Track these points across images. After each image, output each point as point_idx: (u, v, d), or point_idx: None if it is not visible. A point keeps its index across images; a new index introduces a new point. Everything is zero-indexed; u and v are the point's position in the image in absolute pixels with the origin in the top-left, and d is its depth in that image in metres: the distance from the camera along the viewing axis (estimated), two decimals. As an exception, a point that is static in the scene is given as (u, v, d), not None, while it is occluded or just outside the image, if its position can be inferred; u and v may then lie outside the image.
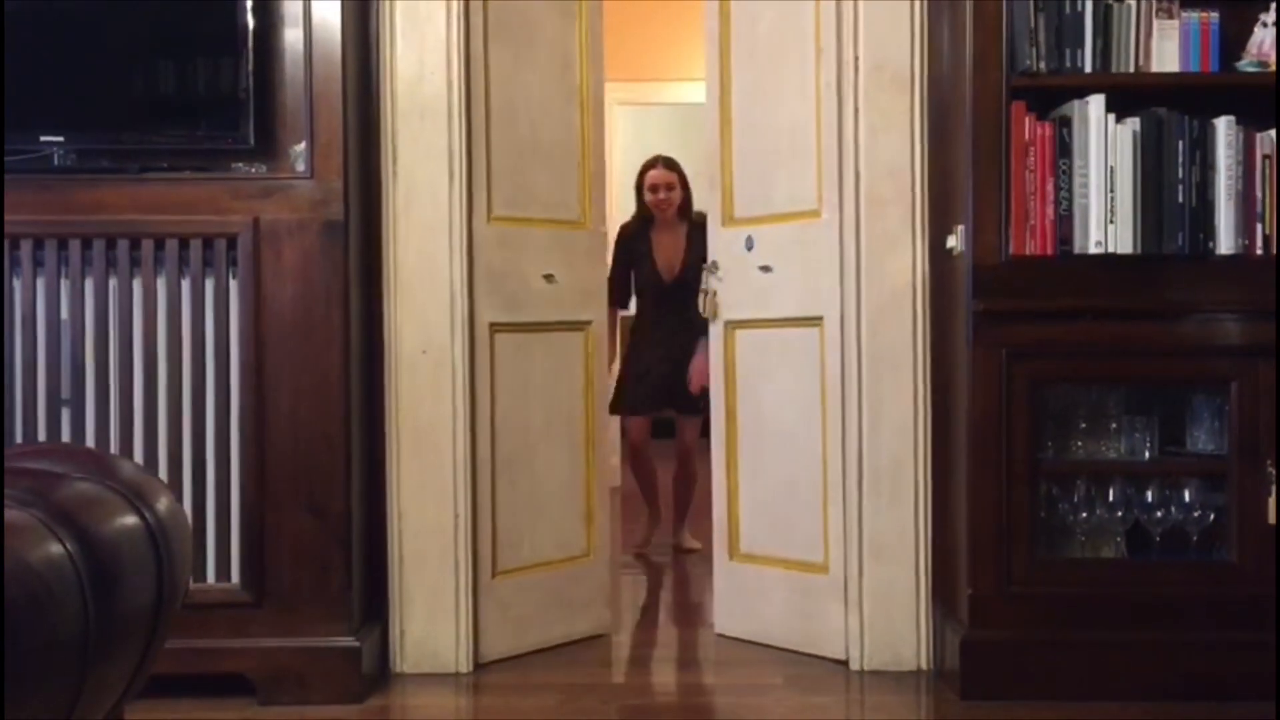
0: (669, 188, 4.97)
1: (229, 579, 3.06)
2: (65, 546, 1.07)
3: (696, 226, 4.79)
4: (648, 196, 5.04)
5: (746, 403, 3.68)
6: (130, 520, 1.23)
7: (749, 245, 3.65)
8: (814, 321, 3.46)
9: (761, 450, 3.64)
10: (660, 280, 5.04)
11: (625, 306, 5.22)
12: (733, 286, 3.71)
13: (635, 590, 4.84)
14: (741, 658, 3.72)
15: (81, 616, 1.06)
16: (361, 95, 3.24)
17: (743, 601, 3.70)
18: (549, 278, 3.60)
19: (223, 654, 3.02)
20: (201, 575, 3.05)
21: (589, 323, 3.75)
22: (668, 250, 5.03)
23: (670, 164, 5.03)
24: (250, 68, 3.03)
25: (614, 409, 4.94)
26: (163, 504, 1.31)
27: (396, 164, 3.27)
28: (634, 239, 5.09)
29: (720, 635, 3.74)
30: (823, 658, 3.40)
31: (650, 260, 5.04)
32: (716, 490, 3.76)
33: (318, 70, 3.07)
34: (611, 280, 4.62)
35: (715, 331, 3.78)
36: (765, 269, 3.62)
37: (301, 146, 3.07)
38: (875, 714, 3.06)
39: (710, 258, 3.77)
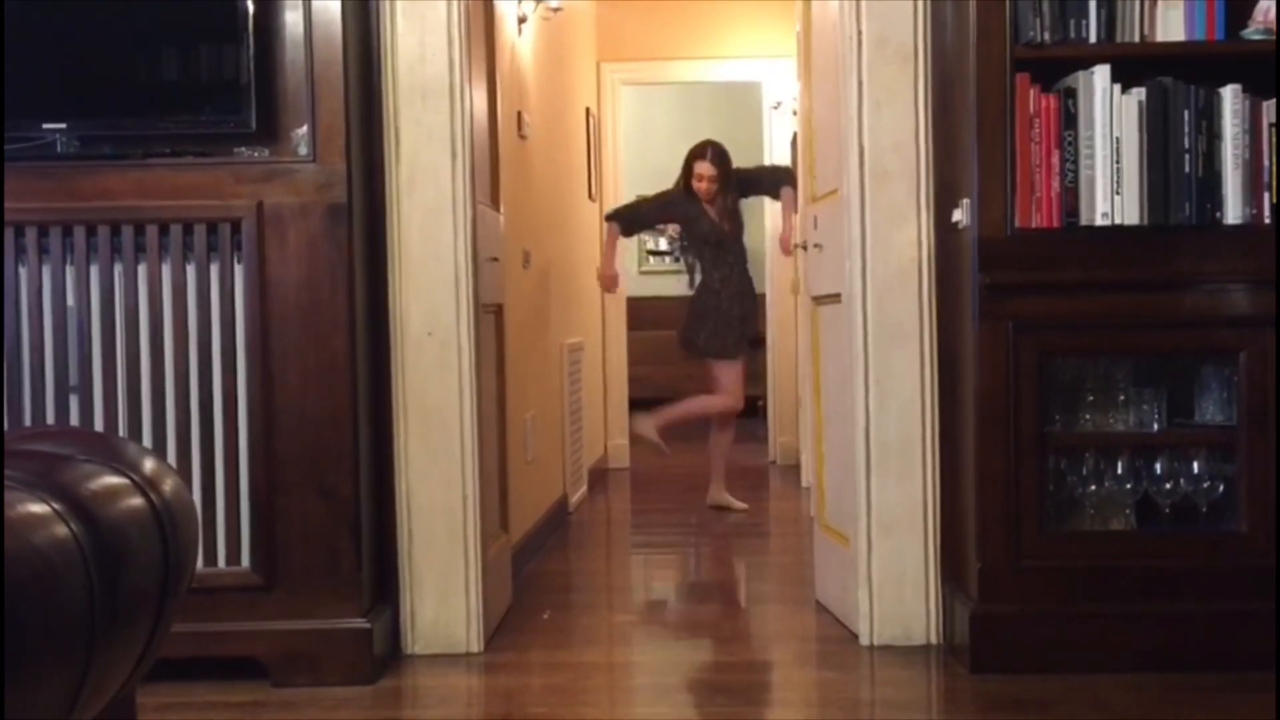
0: (712, 180, 5.54)
1: (239, 562, 3.07)
2: (71, 528, 1.08)
3: (728, 195, 5.60)
4: (694, 183, 5.56)
5: (823, 376, 3.85)
6: (136, 502, 1.23)
7: (815, 224, 3.79)
8: (838, 298, 3.48)
9: (830, 424, 3.72)
10: (716, 234, 5.59)
11: (628, 235, 5.99)
12: (810, 263, 3.95)
13: (653, 566, 4.85)
14: (764, 631, 3.74)
15: (87, 598, 1.06)
16: (363, 77, 3.23)
17: (824, 572, 3.76)
18: (494, 260, 3.65)
19: (235, 637, 3.04)
20: (212, 559, 3.06)
21: (501, 306, 3.85)
22: (717, 213, 5.61)
23: (715, 157, 5.57)
24: (251, 51, 3.02)
25: (714, 353, 5.57)
26: (169, 486, 1.31)
27: (399, 146, 3.27)
28: (684, 205, 5.65)
29: (818, 604, 3.75)
30: (854, 633, 3.39)
31: (705, 220, 5.60)
32: (806, 460, 3.90)
33: (318, 53, 3.06)
34: (636, 211, 5.89)
35: (804, 307, 4.16)
36: (818, 246, 3.73)
37: (303, 130, 3.06)
38: (885, 689, 3.07)
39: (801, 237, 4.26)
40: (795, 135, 5.87)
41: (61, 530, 1.06)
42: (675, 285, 8.83)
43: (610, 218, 5.94)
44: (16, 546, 0.98)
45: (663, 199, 5.78)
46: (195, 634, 2.96)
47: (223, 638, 3.03)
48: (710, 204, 5.57)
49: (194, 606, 2.95)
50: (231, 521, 3.07)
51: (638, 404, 7.19)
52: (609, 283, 5.99)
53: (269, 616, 3.04)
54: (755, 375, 7.82)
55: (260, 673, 3.04)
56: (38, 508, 1.06)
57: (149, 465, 1.32)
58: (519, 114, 4.66)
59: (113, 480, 1.23)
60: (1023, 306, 3.00)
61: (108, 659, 1.12)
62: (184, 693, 2.95)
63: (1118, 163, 2.96)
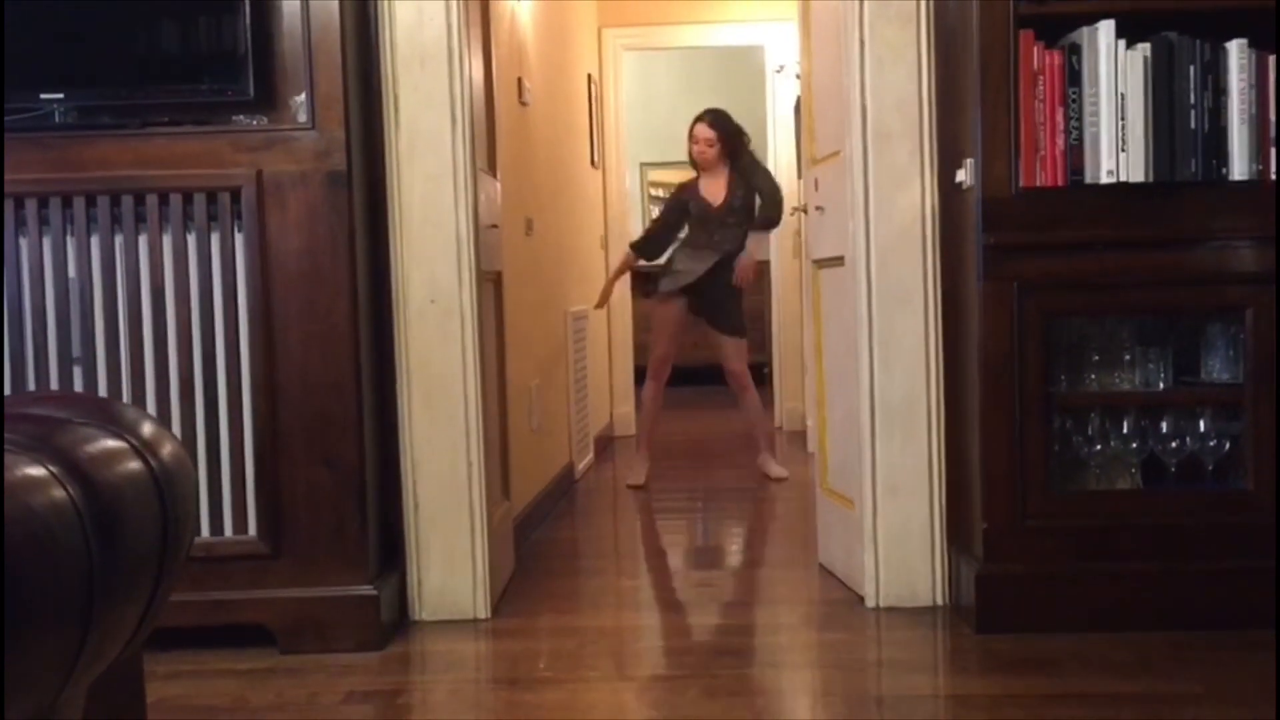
0: (709, 144, 5.38)
1: (246, 531, 3.08)
2: (68, 491, 1.07)
3: (739, 168, 5.40)
4: (692, 148, 5.44)
5: (825, 339, 3.83)
6: (134, 465, 1.23)
7: (816, 186, 3.75)
8: (839, 261, 3.46)
9: (833, 387, 3.71)
10: (707, 208, 5.40)
11: (649, 259, 5.71)
12: (810, 226, 3.93)
13: (659, 532, 4.86)
14: (769, 595, 3.74)
15: (85, 561, 1.06)
16: (361, 44, 3.21)
17: (828, 535, 3.76)
18: (494, 227, 3.62)
19: (243, 605, 3.05)
20: (219, 527, 3.07)
21: (500, 273, 3.81)
22: (714, 188, 5.43)
23: (715, 120, 5.41)
24: (248, 19, 3.00)
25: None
26: (167, 450, 1.31)
27: (398, 113, 3.25)
28: (686, 190, 5.53)
29: (822, 567, 3.76)
30: (860, 595, 3.39)
31: (696, 200, 5.46)
32: (811, 425, 3.95)
33: (316, 20, 3.03)
34: (652, 229, 5.71)
35: (806, 270, 4.20)
36: (819, 209, 3.71)
37: (302, 97, 3.05)
38: (891, 650, 3.08)
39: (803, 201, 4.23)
40: (799, 100, 5.83)
41: (59, 493, 1.06)
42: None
43: (631, 246, 5.80)
44: (13, 509, 0.98)
45: (670, 199, 5.68)
46: (203, 602, 2.98)
47: (230, 606, 3.04)
48: (709, 173, 5.39)
49: (201, 575, 2.98)
50: (237, 490, 3.08)
51: (643, 372, 7.18)
52: (602, 299, 5.99)
53: (276, 584, 3.06)
54: (759, 342, 7.81)
55: (268, 640, 3.05)
56: (35, 470, 1.06)
57: (147, 429, 1.31)
58: (520, 80, 4.64)
59: (111, 444, 1.22)
60: (1027, 266, 2.98)
61: (106, 622, 1.12)
62: (193, 660, 2.97)
63: (1123, 119, 2.94)
